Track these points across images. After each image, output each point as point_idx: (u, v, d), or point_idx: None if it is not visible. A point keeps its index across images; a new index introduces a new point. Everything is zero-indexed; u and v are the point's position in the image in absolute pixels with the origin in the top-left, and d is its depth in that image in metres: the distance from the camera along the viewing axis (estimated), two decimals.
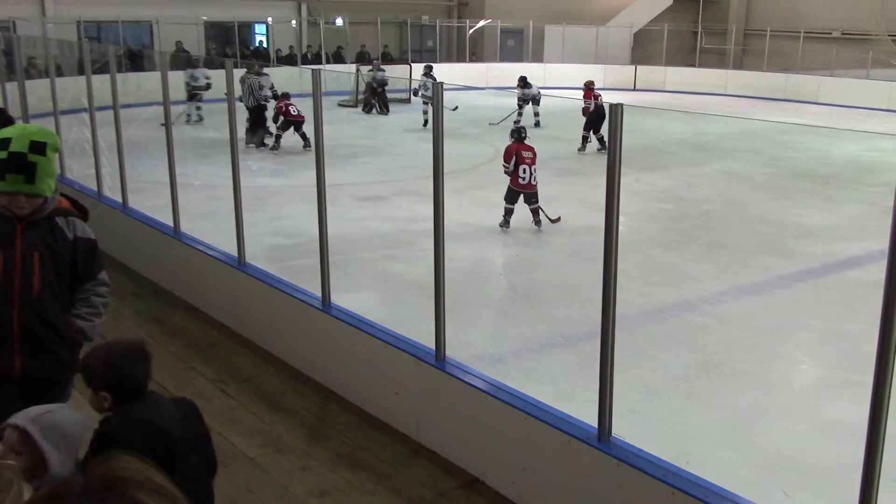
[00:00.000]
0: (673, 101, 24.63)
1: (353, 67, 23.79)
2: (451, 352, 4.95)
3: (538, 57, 29.05)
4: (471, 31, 29.22)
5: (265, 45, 27.92)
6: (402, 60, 26.33)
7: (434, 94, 4.64)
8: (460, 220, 9.91)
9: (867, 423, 3.05)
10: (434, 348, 4.91)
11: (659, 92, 27.07)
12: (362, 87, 22.43)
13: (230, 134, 6.64)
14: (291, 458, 4.91)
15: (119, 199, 8.59)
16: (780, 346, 6.88)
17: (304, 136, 15.03)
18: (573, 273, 8.50)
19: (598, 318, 3.94)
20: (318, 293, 5.82)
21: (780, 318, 7.47)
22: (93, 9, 22.63)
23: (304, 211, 9.04)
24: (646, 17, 30.41)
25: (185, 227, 7.69)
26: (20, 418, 2.27)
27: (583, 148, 15.68)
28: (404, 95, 23.06)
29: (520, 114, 18.80)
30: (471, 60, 29.03)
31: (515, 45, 30.37)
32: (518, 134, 10.28)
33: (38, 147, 3.26)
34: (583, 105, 15.99)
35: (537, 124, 18.35)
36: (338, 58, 26.90)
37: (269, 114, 15.67)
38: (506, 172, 10.00)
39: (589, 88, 16.36)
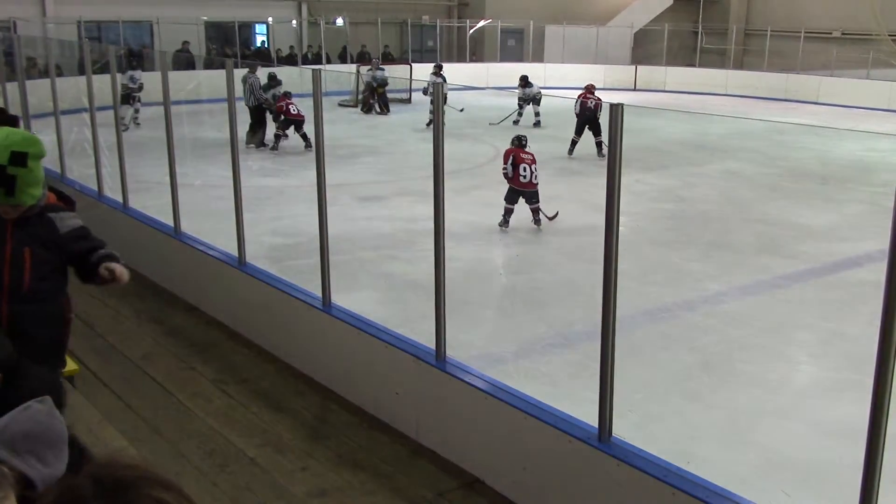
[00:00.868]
0: (673, 101, 24.62)
1: (353, 67, 23.80)
2: (452, 352, 4.95)
3: (538, 57, 29.04)
4: (471, 31, 29.21)
5: (266, 45, 27.92)
6: (403, 60, 26.32)
7: (435, 94, 4.64)
8: (461, 219, 9.91)
9: (867, 423, 3.05)
10: (434, 348, 4.91)
11: (659, 92, 27.06)
12: (362, 87, 22.44)
13: (230, 134, 6.64)
14: (291, 457, 4.91)
15: (119, 199, 8.59)
16: (780, 346, 6.88)
17: (304, 137, 15.03)
18: (573, 273, 8.50)
19: (599, 318, 3.94)
20: (319, 293, 5.82)
21: (781, 318, 7.47)
22: (93, 9, 22.62)
23: (304, 211, 9.04)
24: (646, 17, 30.40)
25: (186, 227, 7.69)
26: None
27: (571, 151, 15.24)
28: (404, 95, 23.05)
29: (520, 114, 18.77)
30: (471, 60, 29.01)
31: (516, 45, 30.36)
32: (518, 141, 10.31)
33: (19, 158, 3.22)
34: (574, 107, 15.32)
35: (537, 124, 18.32)
36: (341, 57, 26.88)
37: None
38: (505, 174, 10.03)
39: (588, 90, 15.71)
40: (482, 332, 6.93)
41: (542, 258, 9.42)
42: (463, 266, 8.34)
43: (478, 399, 4.60)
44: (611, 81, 27.09)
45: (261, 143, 15.56)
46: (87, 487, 0.98)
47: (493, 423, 4.55)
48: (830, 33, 27.54)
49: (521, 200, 10.04)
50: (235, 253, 6.76)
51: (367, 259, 8.87)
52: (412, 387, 5.10)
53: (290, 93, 15.30)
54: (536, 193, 10.03)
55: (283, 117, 15.21)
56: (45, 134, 10.82)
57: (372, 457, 4.93)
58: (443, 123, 4.70)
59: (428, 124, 17.97)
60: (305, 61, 25.67)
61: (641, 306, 7.35)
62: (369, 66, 21.96)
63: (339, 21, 27.29)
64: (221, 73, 6.93)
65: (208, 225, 8.17)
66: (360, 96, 21.98)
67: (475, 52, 29.77)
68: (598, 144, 14.75)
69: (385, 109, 21.08)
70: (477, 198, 11.30)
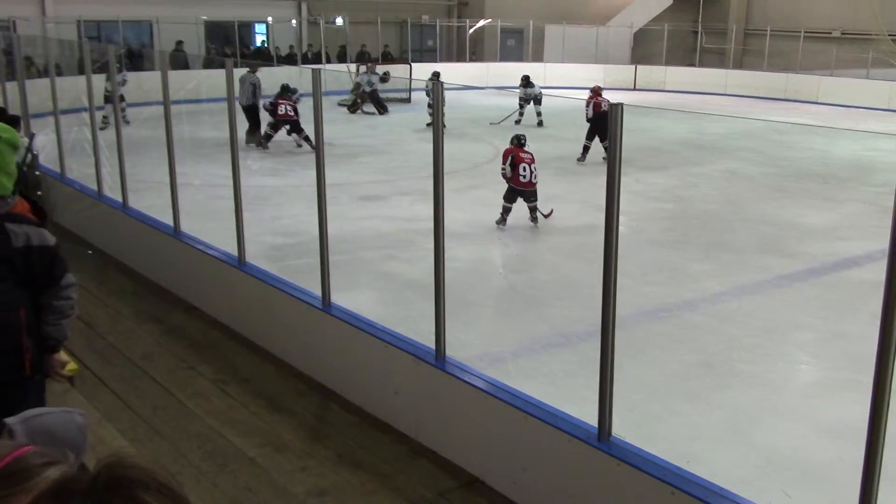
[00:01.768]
0: (673, 101, 24.62)
1: (353, 67, 23.79)
2: (451, 351, 4.95)
3: (538, 57, 29.03)
4: (471, 30, 29.21)
5: (266, 44, 27.91)
6: (403, 60, 26.32)
7: (434, 93, 4.64)
8: (460, 219, 9.91)
9: (867, 423, 3.05)
10: (434, 348, 4.91)
11: (659, 92, 27.06)
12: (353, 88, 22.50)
13: (230, 134, 6.64)
14: (291, 457, 4.90)
15: (119, 198, 8.59)
16: (780, 345, 6.88)
17: (306, 139, 14.95)
18: (573, 273, 8.50)
19: (598, 318, 3.94)
20: (319, 293, 5.82)
21: (780, 317, 7.47)
22: (93, 8, 22.61)
23: (304, 210, 9.04)
24: (646, 17, 30.40)
25: (186, 226, 7.69)
26: (13, 417, 2.21)
27: (582, 158, 14.85)
28: (404, 95, 23.05)
29: (521, 114, 18.73)
30: (471, 60, 29.02)
31: (515, 45, 30.35)
32: (518, 141, 10.32)
33: None
34: (585, 111, 15.01)
35: (540, 124, 18.33)
36: (339, 57, 26.88)
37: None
38: (504, 174, 10.04)
39: (595, 93, 15.32)
40: (482, 332, 6.93)
41: (542, 258, 9.43)
42: (463, 266, 8.34)
43: (477, 399, 4.60)
44: (610, 81, 27.05)
45: (258, 142, 15.56)
46: (81, 483, 0.98)
47: (492, 422, 4.55)
48: (830, 33, 27.54)
49: (520, 199, 10.06)
50: (235, 252, 6.76)
51: (366, 259, 8.87)
52: (412, 386, 5.10)
53: (289, 92, 15.21)
54: (535, 192, 10.05)
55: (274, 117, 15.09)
56: (44, 133, 10.87)
57: (372, 456, 4.92)
58: (443, 125, 4.70)
59: (428, 125, 17.95)
60: (305, 61, 25.66)
61: (641, 306, 7.35)
62: (365, 68, 21.99)
63: (339, 21, 27.29)
64: (220, 72, 6.93)
65: (208, 224, 8.18)
66: (350, 96, 22.00)
67: (475, 51, 29.77)
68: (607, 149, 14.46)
69: (382, 110, 21.09)
70: (477, 197, 11.30)
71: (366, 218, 10.52)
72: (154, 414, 5.41)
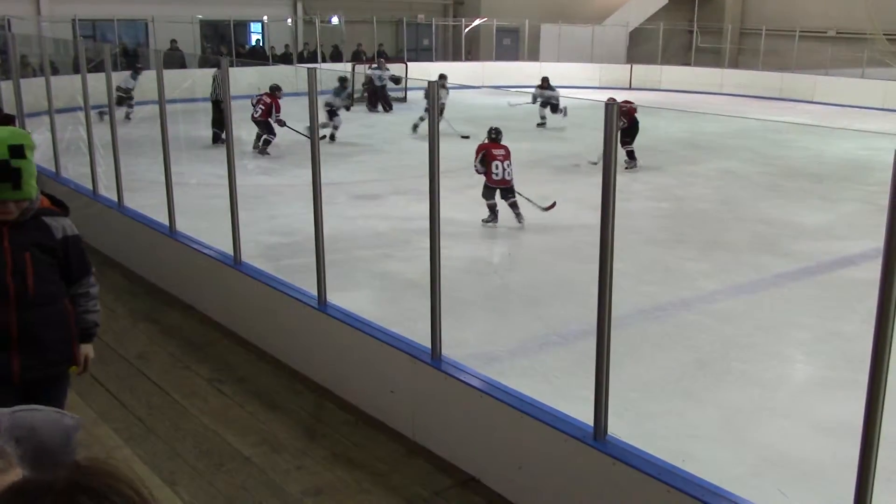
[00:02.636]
0: (668, 100, 24.64)
1: (348, 66, 23.77)
2: (447, 350, 4.94)
3: (534, 56, 29.06)
4: (466, 29, 29.21)
5: (261, 43, 27.88)
6: (398, 59, 26.32)
7: (431, 93, 4.63)
8: (456, 218, 9.91)
9: (862, 422, 3.05)
10: (430, 347, 4.91)
11: (655, 91, 27.08)
12: (358, 87, 22.48)
13: (226, 133, 6.63)
14: (287, 456, 4.90)
15: (114, 197, 8.57)
16: (775, 344, 6.89)
17: (263, 141, 14.79)
18: (569, 272, 8.50)
19: (594, 317, 3.94)
20: (314, 292, 5.82)
21: (776, 316, 7.48)
22: (88, 7, 22.58)
23: (299, 209, 9.04)
24: (641, 16, 30.44)
25: (181, 225, 7.67)
26: (6, 409, 2.17)
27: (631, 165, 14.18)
28: (400, 94, 23.06)
29: (543, 116, 18.71)
30: (467, 59, 29.02)
31: (511, 44, 30.36)
32: (491, 135, 10.33)
33: (17, 150, 3.18)
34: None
35: (540, 125, 18.35)
36: (333, 56, 26.87)
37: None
38: (477, 171, 10.07)
39: (629, 104, 15.00)
40: (478, 331, 6.93)
41: (538, 257, 9.43)
42: (459, 265, 8.33)
43: (473, 398, 4.60)
44: (606, 80, 27.11)
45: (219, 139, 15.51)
46: (42, 488, 0.97)
47: (488, 421, 4.55)
48: (825, 32, 27.58)
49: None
50: (231, 252, 6.75)
51: (362, 258, 8.86)
52: (408, 385, 5.09)
53: (275, 91, 14.92)
54: (512, 189, 10.01)
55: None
56: (39, 133, 10.84)
57: (367, 455, 4.92)
58: (438, 122, 4.70)
59: (414, 128, 17.27)
60: (301, 60, 25.64)
61: (637, 305, 7.36)
62: (375, 64, 22.06)
63: (335, 19, 27.27)
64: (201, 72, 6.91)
65: (204, 224, 8.16)
66: (357, 95, 22.04)
67: (471, 50, 29.77)
68: (630, 154, 14.01)
69: (388, 107, 21.23)
70: (473, 197, 11.27)
71: (362, 217, 10.52)
72: (149, 413, 5.40)
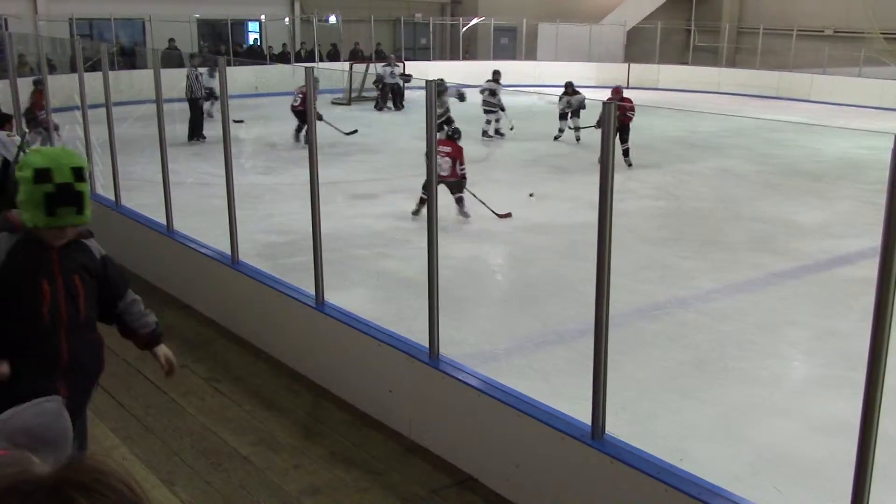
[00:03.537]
0: (666, 99, 24.67)
1: (345, 65, 23.78)
2: (445, 349, 4.94)
3: (531, 55, 29.07)
4: (464, 28, 29.20)
5: (259, 42, 27.86)
6: (396, 59, 26.30)
7: (428, 93, 4.62)
8: (454, 217, 9.92)
9: (859, 420, 3.06)
10: (427, 346, 4.91)
11: (652, 90, 27.08)
12: (356, 85, 22.49)
13: (223, 132, 6.62)
14: (284, 455, 4.90)
15: (112, 196, 8.56)
16: (772, 343, 6.90)
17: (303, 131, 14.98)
18: (566, 270, 8.50)
19: (592, 316, 3.94)
20: (312, 291, 5.82)
21: (773, 315, 7.49)
22: (85, 6, 22.54)
23: (297, 209, 9.02)
24: (639, 15, 30.44)
25: (178, 225, 7.67)
26: None
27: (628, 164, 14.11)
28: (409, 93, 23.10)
29: (561, 129, 16.54)
30: (464, 58, 29.01)
31: (509, 43, 30.36)
32: (444, 132, 10.45)
33: (80, 173, 3.02)
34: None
35: (578, 139, 16.27)
36: (331, 55, 26.85)
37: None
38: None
39: (621, 97, 14.63)
40: (475, 330, 6.93)
41: (535, 256, 9.43)
42: (456, 264, 8.33)
43: (471, 397, 4.60)
44: (604, 79, 27.04)
45: (194, 136, 15.55)
46: (30, 484, 0.97)
47: (486, 420, 4.55)
48: (823, 31, 27.60)
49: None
50: (228, 251, 6.74)
51: (360, 257, 8.86)
52: (405, 384, 5.09)
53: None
54: (459, 184, 10.06)
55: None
56: (36, 132, 10.84)
57: (365, 454, 4.92)
58: (433, 121, 4.69)
59: (486, 133, 16.40)
60: (298, 59, 25.62)
61: (634, 304, 7.36)
62: (385, 63, 22.16)
63: (332, 19, 27.25)
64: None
65: (201, 223, 8.16)
66: (354, 94, 22.09)
67: (468, 50, 29.76)
68: (626, 152, 13.97)
69: (400, 105, 21.59)
70: (470, 196, 11.29)
71: (359, 216, 10.51)
72: (147, 412, 5.40)
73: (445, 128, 10.40)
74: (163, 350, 3.64)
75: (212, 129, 16.62)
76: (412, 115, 18.96)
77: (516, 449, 4.41)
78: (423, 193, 10.00)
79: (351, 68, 22.85)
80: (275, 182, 12.48)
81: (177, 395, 5.63)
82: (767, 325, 7.23)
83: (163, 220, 7.68)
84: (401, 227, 9.87)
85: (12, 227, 3.12)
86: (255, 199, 10.77)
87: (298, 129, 15.32)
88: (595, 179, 3.82)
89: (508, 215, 10.34)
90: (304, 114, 15.29)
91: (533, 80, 25.73)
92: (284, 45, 26.99)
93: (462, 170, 10.07)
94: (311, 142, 5.73)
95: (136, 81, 17.57)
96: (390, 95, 21.85)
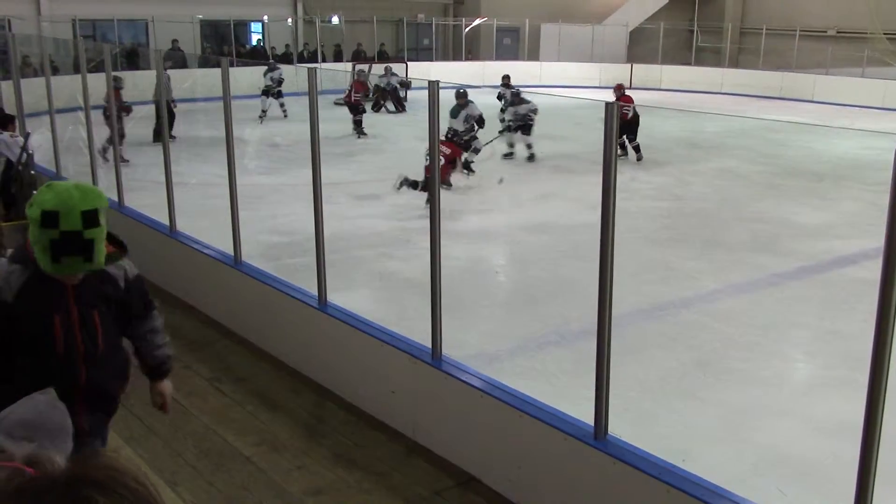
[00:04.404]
0: (669, 100, 24.65)
1: (348, 66, 23.76)
2: (448, 350, 4.95)
3: (534, 55, 29.08)
4: (467, 29, 29.21)
5: (262, 43, 27.88)
6: (399, 59, 26.33)
7: (430, 95, 4.62)
8: (457, 218, 9.92)
9: (863, 421, 3.05)
10: (430, 347, 4.91)
11: (655, 90, 27.08)
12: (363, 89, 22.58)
13: (226, 133, 6.63)
14: (287, 456, 4.90)
15: (115, 197, 8.57)
16: (775, 343, 6.89)
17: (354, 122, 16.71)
18: (569, 271, 8.50)
19: (595, 317, 3.94)
20: (315, 292, 5.82)
21: (776, 315, 7.48)
22: (88, 7, 22.58)
23: (300, 209, 9.04)
24: (641, 16, 30.44)
25: (181, 225, 7.68)
26: None
27: (624, 154, 14.24)
28: (401, 93, 23.08)
29: (511, 146, 15.06)
30: (467, 59, 29.02)
31: (511, 44, 30.37)
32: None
33: (91, 218, 2.73)
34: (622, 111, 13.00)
35: (531, 157, 14.82)
36: (336, 56, 26.87)
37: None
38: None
39: (622, 94, 14.53)
40: (478, 331, 6.93)
41: (538, 256, 9.42)
42: (459, 264, 8.33)
43: (474, 397, 4.60)
44: (606, 80, 27.03)
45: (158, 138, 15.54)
46: (43, 482, 0.97)
47: (488, 421, 4.56)
48: (826, 32, 27.57)
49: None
50: (231, 252, 6.75)
51: (363, 257, 8.86)
52: (408, 385, 5.10)
53: None
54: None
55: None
56: (39, 132, 10.86)
57: (368, 455, 4.92)
58: (437, 122, 4.69)
59: (508, 155, 15.07)
60: (301, 60, 25.64)
61: (637, 304, 7.36)
62: (381, 72, 22.27)
63: (335, 19, 27.26)
64: (216, 71, 6.92)
65: (204, 223, 8.16)
66: (371, 97, 22.25)
67: (471, 50, 29.77)
68: (637, 148, 14.39)
69: (401, 108, 21.77)
70: (471, 195, 11.30)
71: (362, 217, 10.52)
72: (149, 413, 5.38)
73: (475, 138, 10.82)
74: (164, 386, 3.49)
75: (282, 125, 17.09)
76: (414, 115, 18.95)
77: (519, 449, 4.41)
78: (422, 185, 10.20)
79: (353, 69, 22.83)
80: (277, 182, 12.49)
81: (180, 396, 5.62)
82: (770, 325, 7.22)
83: (166, 221, 7.69)
84: (403, 228, 9.87)
85: (26, 258, 2.91)
86: (257, 200, 10.78)
87: (357, 123, 17.09)
88: (598, 180, 3.82)
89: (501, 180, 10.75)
90: (355, 106, 17.26)
91: (536, 81, 25.71)
92: (287, 45, 27.01)
93: (450, 175, 10.38)
94: (313, 142, 5.73)
95: (140, 82, 17.59)
96: (389, 98, 21.95)
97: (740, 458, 5.02)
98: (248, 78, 20.44)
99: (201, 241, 7.40)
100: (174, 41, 23.15)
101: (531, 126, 14.58)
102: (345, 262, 8.28)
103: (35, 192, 3.19)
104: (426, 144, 9.69)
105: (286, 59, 25.69)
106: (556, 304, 7.66)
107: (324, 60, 25.84)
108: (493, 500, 4.49)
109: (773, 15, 29.06)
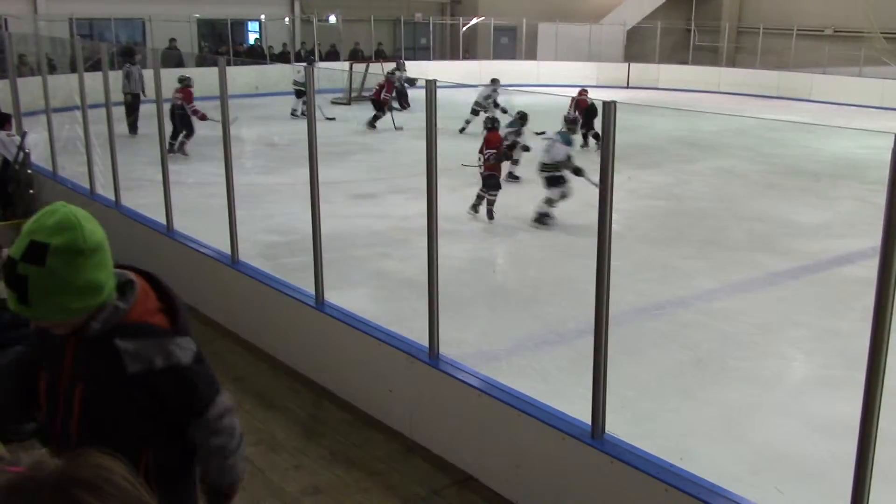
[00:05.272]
0: (666, 99, 24.66)
1: (345, 65, 23.76)
2: (445, 349, 4.94)
3: (531, 55, 29.07)
4: (464, 28, 29.20)
5: (259, 42, 27.85)
6: (396, 58, 26.31)
7: (427, 94, 4.61)
8: (454, 217, 9.91)
9: (860, 420, 3.06)
10: (428, 346, 4.91)
11: (652, 89, 27.09)
12: (356, 85, 22.47)
13: (223, 132, 6.62)
14: (285, 456, 4.90)
15: (112, 196, 8.56)
16: (772, 342, 6.90)
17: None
18: (566, 270, 8.50)
19: (592, 316, 3.94)
20: (312, 291, 5.82)
21: (773, 314, 7.49)
22: (85, 6, 22.53)
23: (297, 208, 9.02)
24: (639, 15, 30.45)
25: (178, 224, 7.67)
26: None
27: (585, 145, 15.25)
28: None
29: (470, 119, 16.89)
30: (464, 58, 29.01)
31: (509, 43, 30.37)
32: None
33: (35, 252, 2.04)
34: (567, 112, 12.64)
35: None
36: (329, 55, 26.85)
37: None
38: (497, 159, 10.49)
39: (582, 98, 15.00)
40: (475, 330, 6.93)
41: (536, 255, 9.43)
42: (456, 264, 8.33)
43: (471, 396, 4.60)
44: (604, 79, 27.12)
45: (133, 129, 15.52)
46: (34, 480, 0.96)
47: (486, 420, 4.56)
48: (823, 31, 27.60)
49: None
50: (228, 251, 6.74)
51: (360, 257, 8.86)
52: (406, 384, 5.09)
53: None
54: (487, 181, 10.48)
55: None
56: (36, 131, 10.84)
57: (365, 454, 4.92)
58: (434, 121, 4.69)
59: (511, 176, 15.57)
60: (298, 59, 25.62)
61: (634, 303, 7.36)
62: (394, 65, 22.22)
63: (332, 18, 27.24)
64: (213, 70, 6.91)
65: (201, 223, 8.15)
66: (354, 94, 22.09)
67: (468, 49, 29.76)
68: (595, 136, 14.98)
69: (406, 105, 21.54)
70: (470, 196, 11.29)
71: (359, 216, 10.51)
72: None
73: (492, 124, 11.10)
74: None
75: (282, 125, 17.02)
76: (412, 114, 18.96)
77: (516, 448, 4.41)
78: (482, 191, 10.17)
79: (351, 68, 22.83)
80: (275, 182, 12.48)
81: None
82: (768, 324, 7.23)
83: (163, 220, 7.68)
84: (401, 227, 9.87)
85: None
86: (255, 199, 10.77)
87: (376, 118, 17.57)
88: (595, 179, 3.81)
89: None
90: (381, 105, 17.81)
91: (533, 80, 25.71)
92: (284, 44, 26.99)
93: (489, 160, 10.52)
94: (311, 142, 5.72)
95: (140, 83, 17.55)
96: (395, 95, 21.90)
97: (738, 456, 5.02)
98: (245, 77, 20.47)
99: (198, 240, 7.39)
100: (171, 40, 23.12)
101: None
102: (342, 262, 8.28)
103: (32, 191, 3.13)
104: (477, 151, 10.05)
105: (284, 58, 25.67)
106: (553, 303, 7.66)
107: (321, 59, 25.82)
108: (491, 498, 4.49)
109: (770, 14, 29.09)
